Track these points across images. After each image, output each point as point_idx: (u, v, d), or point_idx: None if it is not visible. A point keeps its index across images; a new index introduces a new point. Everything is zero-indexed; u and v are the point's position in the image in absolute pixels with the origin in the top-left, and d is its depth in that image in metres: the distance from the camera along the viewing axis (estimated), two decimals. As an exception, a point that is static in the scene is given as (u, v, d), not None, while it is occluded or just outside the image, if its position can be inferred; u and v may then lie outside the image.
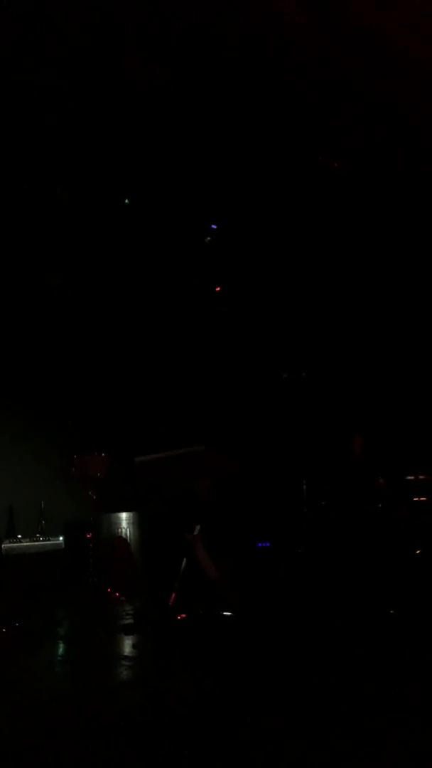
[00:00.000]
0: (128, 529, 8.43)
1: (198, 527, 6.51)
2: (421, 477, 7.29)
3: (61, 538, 8.70)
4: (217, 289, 8.67)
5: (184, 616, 5.97)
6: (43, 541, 9.19)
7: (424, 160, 7.10)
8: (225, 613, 5.94)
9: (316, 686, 4.01)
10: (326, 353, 8.38)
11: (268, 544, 7.50)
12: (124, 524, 8.43)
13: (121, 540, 8.34)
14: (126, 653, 5.13)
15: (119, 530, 8.42)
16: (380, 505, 7.25)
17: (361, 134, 7.18)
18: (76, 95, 6.64)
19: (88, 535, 7.79)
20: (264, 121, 7.04)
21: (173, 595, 6.17)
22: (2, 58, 6.13)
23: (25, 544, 9.07)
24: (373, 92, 6.63)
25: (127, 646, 5.33)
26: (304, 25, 5.74)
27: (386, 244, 8.06)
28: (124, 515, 8.45)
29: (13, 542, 8.90)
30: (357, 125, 7.02)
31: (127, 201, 8.31)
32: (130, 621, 6.14)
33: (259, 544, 7.49)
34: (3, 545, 8.34)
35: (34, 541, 9.22)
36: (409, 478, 7.33)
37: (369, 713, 3.55)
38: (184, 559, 6.40)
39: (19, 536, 9.20)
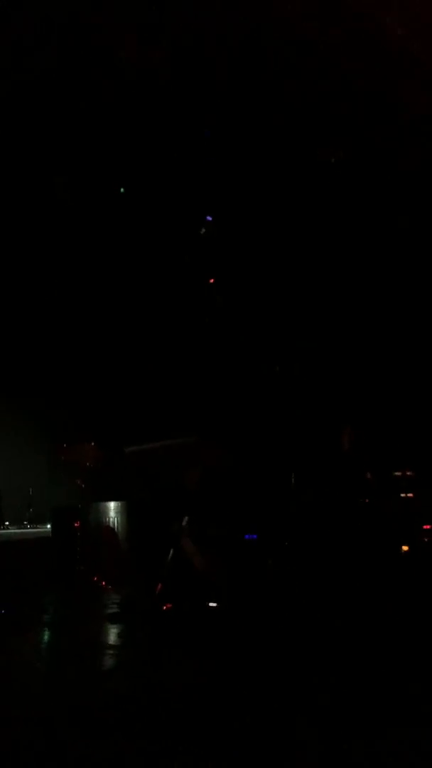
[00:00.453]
0: (116, 518, 8.45)
1: (186, 518, 6.53)
2: (408, 473, 7.34)
3: (48, 526, 8.71)
4: (211, 280, 8.66)
5: (170, 606, 6.00)
6: (30, 528, 9.21)
7: (424, 159, 7.11)
8: (211, 604, 5.98)
9: (301, 676, 4.05)
10: (317, 347, 8.40)
11: (255, 536, 7.53)
12: (112, 513, 8.45)
13: (109, 529, 8.36)
14: (111, 642, 5.15)
15: (107, 519, 8.44)
16: (368, 500, 7.30)
17: (361, 130, 7.18)
18: (74, 86, 6.60)
19: (76, 524, 7.80)
20: (262, 115, 7.03)
21: (159, 584, 6.19)
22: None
23: (12, 531, 9.08)
24: (373, 90, 6.63)
25: (113, 634, 5.35)
26: (306, 20, 5.73)
27: (378, 239, 8.08)
28: (112, 504, 8.47)
29: (1, 529, 8.91)
30: (356, 121, 7.02)
31: (122, 190, 8.27)
32: (117, 610, 6.17)
33: (246, 536, 7.53)
34: (-10, 532, 8.35)
35: (21, 528, 9.24)
36: (397, 474, 7.38)
37: (354, 701, 3.59)
38: (171, 549, 6.43)
39: (7, 523, 9.22)
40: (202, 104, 6.93)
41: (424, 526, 6.87)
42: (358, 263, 8.30)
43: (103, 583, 7.13)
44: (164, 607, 5.98)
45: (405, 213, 7.71)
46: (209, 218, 8.53)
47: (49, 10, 5.92)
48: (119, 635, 5.31)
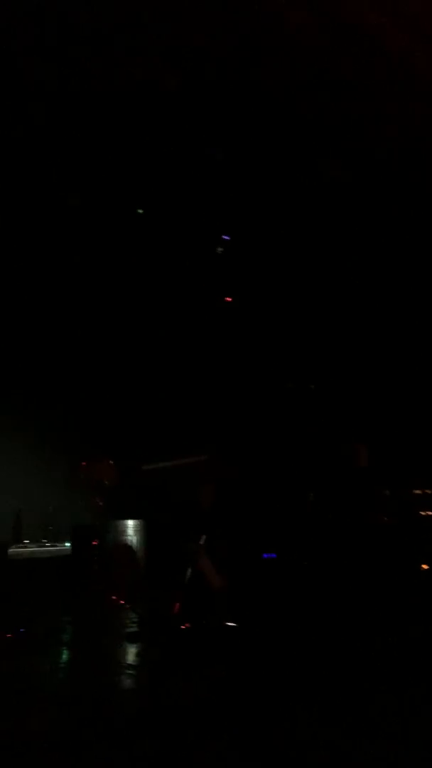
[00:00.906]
0: (134, 537, 8.47)
1: (203, 537, 6.54)
2: (427, 491, 7.31)
3: (67, 544, 8.75)
4: (227, 299, 8.72)
5: (187, 625, 6.00)
6: (49, 546, 9.26)
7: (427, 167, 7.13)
8: (228, 623, 5.96)
9: (317, 698, 4.03)
10: (332, 365, 8.41)
11: (273, 555, 7.52)
12: (129, 532, 8.47)
13: (127, 547, 8.38)
14: (129, 661, 5.16)
15: (125, 537, 8.46)
16: (385, 518, 7.27)
17: (367, 143, 7.22)
18: (87, 101, 6.71)
19: (94, 542, 7.83)
20: (271, 132, 7.10)
21: (177, 603, 6.19)
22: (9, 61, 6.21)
23: (31, 549, 9.13)
24: (381, 100, 6.69)
25: (131, 653, 5.36)
26: (312, 31, 5.80)
27: (391, 256, 8.09)
28: (130, 523, 8.50)
29: (20, 547, 8.96)
30: (362, 132, 7.06)
31: (140, 211, 8.38)
32: (134, 629, 6.17)
33: (265, 555, 7.51)
34: (10, 550, 8.40)
35: (40, 546, 9.29)
36: (416, 492, 7.35)
37: (368, 726, 3.57)
38: (189, 568, 6.43)
39: (26, 541, 9.27)
40: (214, 124, 7.02)
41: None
42: (374, 281, 8.32)
43: (121, 601, 7.14)
44: (182, 626, 5.97)
45: (412, 224, 7.72)
46: (226, 237, 8.62)
47: (66, 37, 6.05)
48: (137, 654, 5.31)
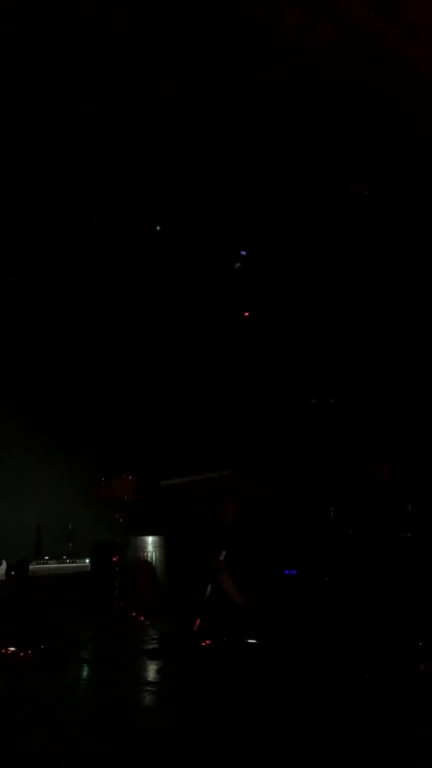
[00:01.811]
0: (154, 553, 8.42)
1: (224, 553, 6.48)
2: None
3: (87, 561, 8.71)
4: (246, 314, 8.73)
5: (208, 642, 5.93)
6: (69, 563, 9.23)
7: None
8: (250, 641, 5.89)
9: (339, 719, 3.95)
10: (355, 379, 8.35)
11: (294, 572, 7.42)
12: (150, 548, 8.42)
13: (147, 564, 8.33)
14: (150, 678, 5.10)
15: (145, 554, 8.41)
16: (409, 533, 7.14)
17: (394, 160, 7.22)
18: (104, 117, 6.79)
19: (114, 558, 7.79)
20: (288, 147, 7.13)
21: (198, 620, 6.13)
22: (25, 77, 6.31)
23: (52, 565, 9.12)
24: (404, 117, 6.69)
25: (151, 671, 5.30)
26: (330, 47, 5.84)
27: (414, 268, 8.05)
28: (150, 539, 8.45)
29: (41, 563, 8.95)
30: (385, 149, 7.06)
31: (158, 228, 8.44)
32: (155, 645, 6.11)
33: (286, 572, 7.42)
34: (30, 566, 8.39)
35: (61, 562, 9.26)
36: (439, 506, 7.22)
37: (386, 749, 3.47)
38: (210, 585, 6.37)
39: (47, 558, 9.25)
40: (232, 141, 7.07)
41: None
42: (398, 293, 8.27)
43: (141, 618, 7.08)
44: (203, 644, 5.91)
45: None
46: (243, 253, 8.64)
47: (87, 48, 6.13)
48: (158, 671, 5.26)
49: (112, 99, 6.62)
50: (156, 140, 7.07)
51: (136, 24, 5.86)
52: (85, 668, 5.59)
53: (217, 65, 6.30)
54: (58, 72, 6.30)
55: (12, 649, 5.80)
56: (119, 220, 8.19)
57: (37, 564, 8.81)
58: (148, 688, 4.83)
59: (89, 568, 8.52)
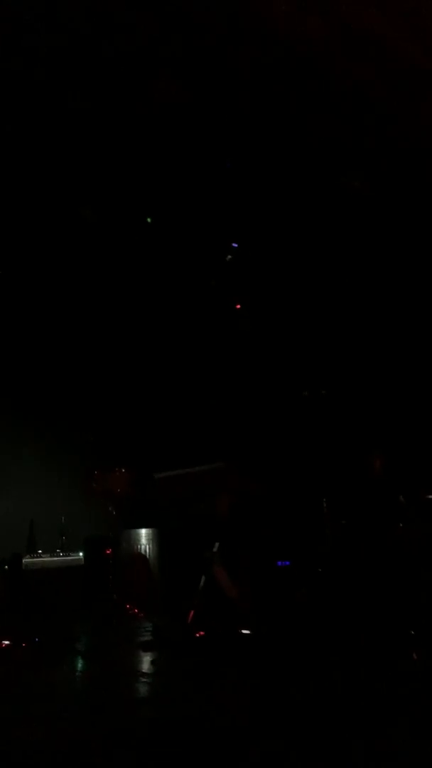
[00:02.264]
0: (147, 546, 8.44)
1: (217, 545, 6.51)
2: (442, 496, 7.22)
3: (81, 554, 8.73)
4: (237, 306, 8.72)
5: (202, 633, 5.96)
6: (63, 556, 9.24)
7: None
8: (243, 632, 5.92)
9: (330, 710, 3.97)
10: (348, 372, 8.37)
11: (287, 563, 7.45)
12: (143, 540, 8.44)
13: (140, 556, 8.35)
14: (144, 670, 5.13)
15: (138, 546, 8.44)
16: (401, 525, 7.19)
17: (380, 151, 7.21)
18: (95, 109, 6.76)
19: (107, 551, 7.81)
20: (280, 136, 7.11)
21: (192, 612, 6.16)
22: (18, 69, 6.26)
23: (45, 559, 9.12)
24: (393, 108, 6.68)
25: (146, 662, 5.32)
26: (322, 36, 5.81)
27: (407, 260, 8.06)
28: (143, 531, 8.47)
29: (34, 557, 8.95)
30: (376, 141, 7.05)
31: (149, 220, 8.41)
32: (149, 638, 6.14)
33: (279, 563, 7.46)
34: (24, 560, 8.39)
35: (54, 556, 9.27)
36: (431, 497, 7.26)
37: (374, 738, 3.51)
38: (203, 577, 6.40)
39: (40, 551, 9.26)
40: (224, 132, 7.04)
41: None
42: (389, 285, 8.28)
43: (135, 610, 7.11)
44: (197, 635, 5.94)
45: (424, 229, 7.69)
46: (235, 245, 8.63)
47: (74, 41, 6.10)
48: (152, 663, 5.28)
49: (106, 91, 6.59)
50: (152, 134, 7.05)
51: (129, 16, 5.83)
52: (80, 661, 5.61)
53: (211, 56, 6.28)
54: (50, 66, 6.27)
55: (6, 642, 5.82)
56: (110, 209, 8.16)
57: (31, 558, 8.81)
58: (143, 680, 4.85)
59: (83, 562, 8.54)
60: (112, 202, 8.00)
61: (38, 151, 7.23)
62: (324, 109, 6.71)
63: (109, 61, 6.27)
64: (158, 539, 8.46)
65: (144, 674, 4.99)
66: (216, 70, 6.43)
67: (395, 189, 7.61)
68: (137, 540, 8.47)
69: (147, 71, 6.43)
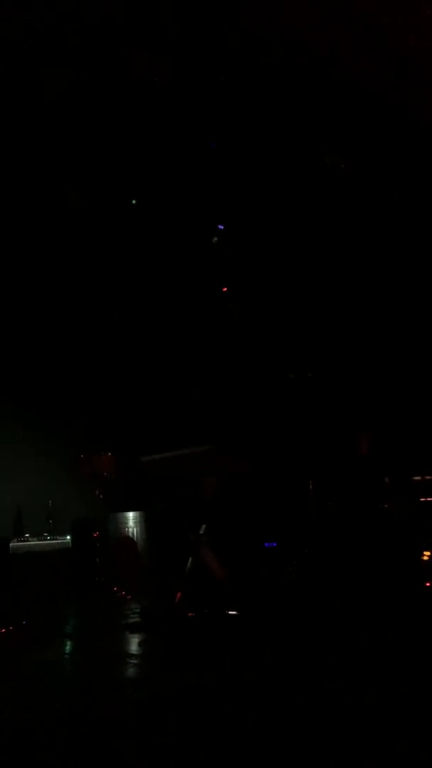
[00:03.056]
0: (135, 529, 8.46)
1: (204, 527, 6.53)
2: (427, 477, 7.28)
3: (68, 537, 8.74)
4: (224, 289, 8.68)
5: (190, 614, 5.99)
6: (50, 539, 9.25)
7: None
8: (230, 612, 5.96)
9: (317, 691, 4.01)
10: (333, 354, 8.38)
11: (275, 544, 7.50)
12: (130, 523, 8.46)
13: (128, 539, 8.37)
14: (132, 651, 5.15)
15: (126, 529, 8.45)
16: (386, 505, 7.25)
17: (365, 135, 7.17)
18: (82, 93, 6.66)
19: (95, 534, 7.82)
20: (269, 119, 7.04)
21: (179, 594, 6.19)
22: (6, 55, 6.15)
23: (32, 542, 9.13)
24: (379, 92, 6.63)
25: (133, 644, 5.35)
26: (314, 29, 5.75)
27: (394, 245, 8.05)
28: (130, 514, 8.49)
29: (21, 541, 8.96)
30: (361, 124, 7.00)
31: (134, 202, 8.33)
32: (137, 619, 6.16)
33: (266, 544, 7.50)
34: (11, 544, 8.39)
35: (41, 539, 9.28)
36: (416, 478, 7.33)
37: (365, 722, 3.55)
38: (190, 559, 6.43)
39: (27, 535, 9.27)
40: (210, 113, 6.97)
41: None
42: (375, 269, 8.27)
43: (123, 592, 7.13)
44: (184, 616, 5.97)
45: (409, 214, 7.67)
46: (221, 227, 8.57)
47: (62, 28, 5.99)
48: (140, 644, 5.31)
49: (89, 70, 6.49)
50: (137, 115, 6.96)
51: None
52: (68, 643, 5.63)
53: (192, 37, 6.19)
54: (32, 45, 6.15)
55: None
56: (95, 196, 8.07)
57: (18, 541, 8.82)
58: (131, 661, 4.88)
59: (70, 545, 8.55)
60: (98, 186, 7.91)
61: (26, 135, 7.12)
62: (313, 92, 6.65)
63: (96, 41, 6.16)
64: (145, 522, 8.48)
65: (132, 655, 5.02)
66: (204, 50, 6.34)
67: (379, 170, 7.58)
68: (124, 523, 8.48)
69: (132, 48, 6.33)
